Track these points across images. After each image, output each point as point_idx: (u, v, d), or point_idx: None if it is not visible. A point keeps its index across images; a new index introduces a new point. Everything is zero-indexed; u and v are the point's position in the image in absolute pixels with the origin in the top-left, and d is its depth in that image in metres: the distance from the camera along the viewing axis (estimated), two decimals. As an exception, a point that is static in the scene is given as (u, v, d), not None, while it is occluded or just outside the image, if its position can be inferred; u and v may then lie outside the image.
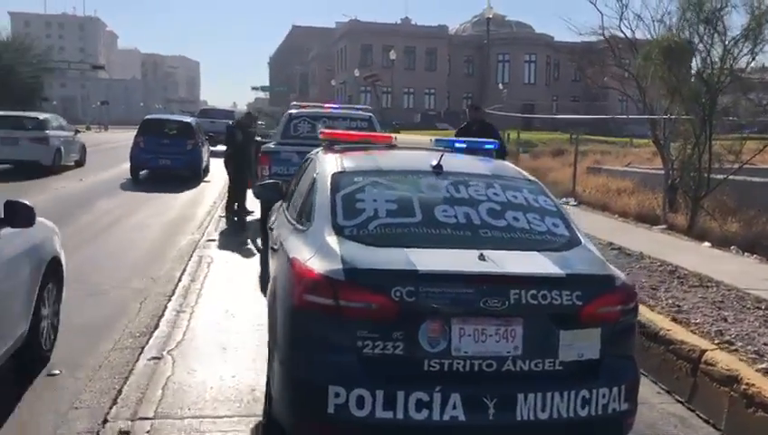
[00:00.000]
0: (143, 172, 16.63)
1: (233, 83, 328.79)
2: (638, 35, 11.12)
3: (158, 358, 4.44)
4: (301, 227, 3.41)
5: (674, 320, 5.10)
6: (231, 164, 10.68)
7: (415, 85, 64.76)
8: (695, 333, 4.69)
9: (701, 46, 9.21)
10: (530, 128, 40.17)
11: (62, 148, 17.65)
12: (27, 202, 4.01)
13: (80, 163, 19.20)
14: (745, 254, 8.02)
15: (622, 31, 11.00)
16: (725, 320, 5.20)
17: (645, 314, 4.80)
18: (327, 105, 10.99)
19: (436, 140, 4.17)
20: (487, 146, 4.27)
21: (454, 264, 2.79)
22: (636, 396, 2.98)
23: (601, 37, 11.72)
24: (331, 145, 4.05)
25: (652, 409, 4.06)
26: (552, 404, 2.72)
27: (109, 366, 4.29)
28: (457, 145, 4.19)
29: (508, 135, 19.49)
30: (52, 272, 4.55)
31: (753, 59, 8.92)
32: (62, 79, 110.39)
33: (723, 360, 3.90)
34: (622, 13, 10.91)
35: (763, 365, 4.25)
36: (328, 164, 3.63)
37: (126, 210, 11.55)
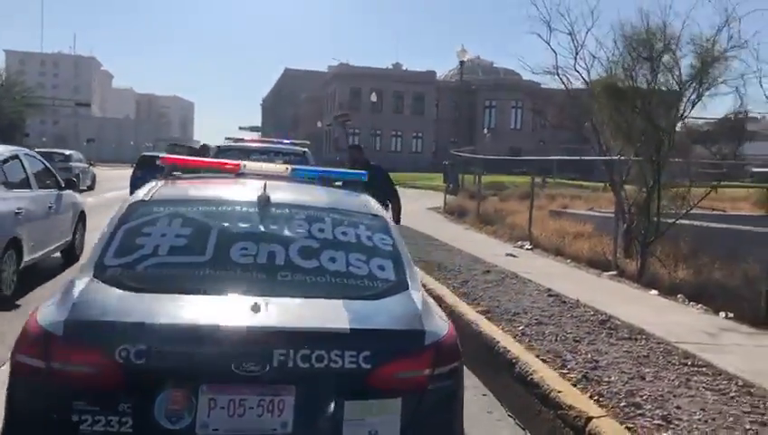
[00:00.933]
0: None
1: (226, 124, 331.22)
2: (595, 76, 10.76)
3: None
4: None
5: (585, 377, 4.54)
6: None
7: (403, 128, 65.23)
8: (597, 396, 4.11)
9: (648, 86, 8.83)
10: (516, 172, 39.96)
11: (80, 175, 23.42)
12: (75, 179, 10.62)
13: (91, 188, 25.17)
14: (691, 303, 7.48)
15: (577, 71, 10.65)
16: (643, 378, 4.64)
17: (541, 371, 4.22)
18: (260, 140, 10.50)
19: (294, 169, 3.68)
20: (351, 176, 3.76)
21: (211, 315, 2.23)
22: None
23: (557, 77, 11.32)
24: (173, 171, 3.56)
25: (531, 486, 3.48)
26: None
27: None
28: (316, 175, 3.68)
29: (477, 177, 19.13)
30: (81, 217, 9.58)
31: (699, 99, 8.52)
32: (55, 116, 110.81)
33: (608, 429, 3.31)
34: (577, 53, 10.56)
35: (669, 434, 3.69)
36: (141, 192, 3.13)
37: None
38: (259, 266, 2.56)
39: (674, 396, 4.29)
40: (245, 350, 2.16)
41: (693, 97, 8.55)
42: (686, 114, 8.73)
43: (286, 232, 2.77)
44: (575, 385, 4.35)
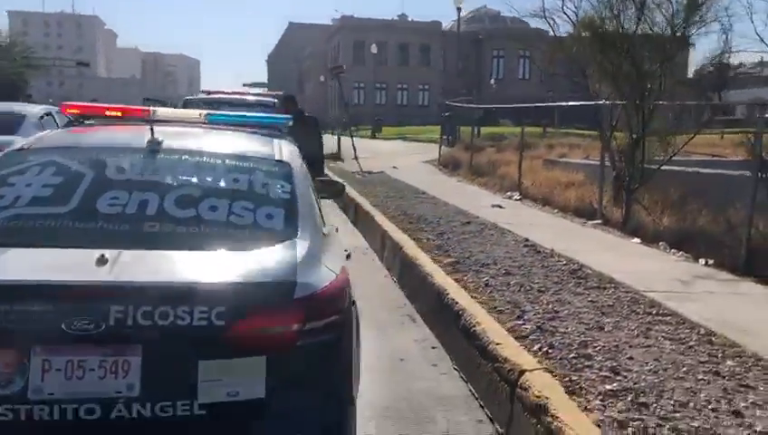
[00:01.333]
0: None
1: (233, 81, 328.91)
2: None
3: None
4: None
5: (539, 328, 4.37)
6: None
7: (409, 81, 64.30)
8: (548, 347, 3.94)
9: (635, 26, 8.41)
10: (521, 123, 39.22)
11: None
12: None
13: None
14: (672, 250, 7.25)
15: (565, 13, 10.18)
16: (601, 328, 4.46)
17: (485, 322, 4.04)
18: (232, 92, 10.20)
19: (209, 115, 3.46)
20: (269, 121, 3.54)
21: (45, 270, 2.05)
22: None
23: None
24: (81, 120, 3.36)
25: (461, 442, 3.33)
26: None
27: None
28: (232, 120, 3.46)
29: (477, 130, 18.76)
30: None
31: (687, 40, 8.09)
32: (61, 77, 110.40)
33: (539, 383, 3.14)
34: (565, -8, 10.07)
35: (612, 386, 3.51)
36: (26, 141, 2.94)
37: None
38: (126, 217, 2.37)
39: (629, 347, 4.12)
40: (78, 307, 1.97)
41: (679, 37, 8.13)
42: (671, 56, 8.31)
43: (169, 180, 2.57)
44: (527, 336, 4.19)
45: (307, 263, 2.29)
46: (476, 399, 3.73)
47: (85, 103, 3.45)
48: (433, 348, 4.54)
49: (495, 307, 4.80)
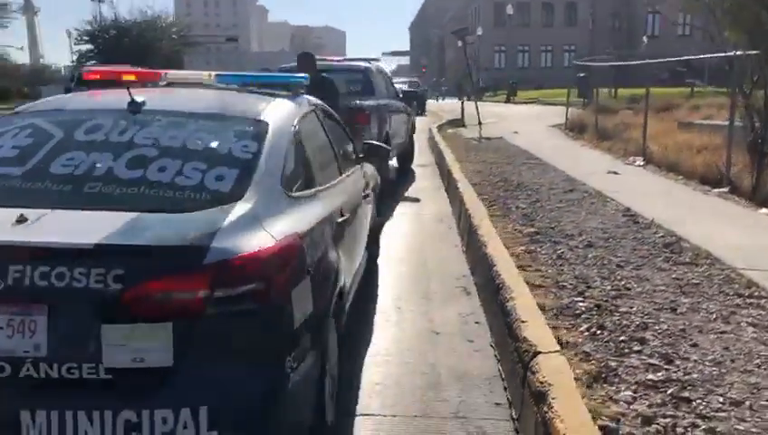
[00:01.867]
0: None
1: (376, 51, 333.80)
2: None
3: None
4: None
5: (597, 307, 3.93)
6: None
7: (553, 42, 61.45)
8: (597, 328, 3.53)
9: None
10: (680, 84, 35.65)
11: None
12: None
13: None
14: (805, 224, 6.25)
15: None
16: (674, 310, 3.93)
17: (519, 298, 3.66)
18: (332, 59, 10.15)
19: (217, 75, 3.41)
20: (288, 79, 3.41)
21: None
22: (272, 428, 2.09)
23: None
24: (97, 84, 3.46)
25: (468, 424, 3.04)
26: (77, 427, 1.93)
27: None
28: (243, 81, 3.37)
29: (613, 92, 17.39)
30: None
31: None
32: (219, 54, 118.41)
33: (548, 368, 2.77)
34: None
35: (655, 376, 3.06)
36: (24, 106, 3.07)
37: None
38: (72, 178, 2.36)
39: (698, 332, 3.58)
40: None
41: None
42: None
43: (132, 141, 2.53)
44: (579, 315, 3.78)
45: (235, 227, 2.14)
46: (503, 380, 3.42)
47: (99, 68, 3.54)
48: (476, 323, 4.23)
49: (557, 282, 4.38)
